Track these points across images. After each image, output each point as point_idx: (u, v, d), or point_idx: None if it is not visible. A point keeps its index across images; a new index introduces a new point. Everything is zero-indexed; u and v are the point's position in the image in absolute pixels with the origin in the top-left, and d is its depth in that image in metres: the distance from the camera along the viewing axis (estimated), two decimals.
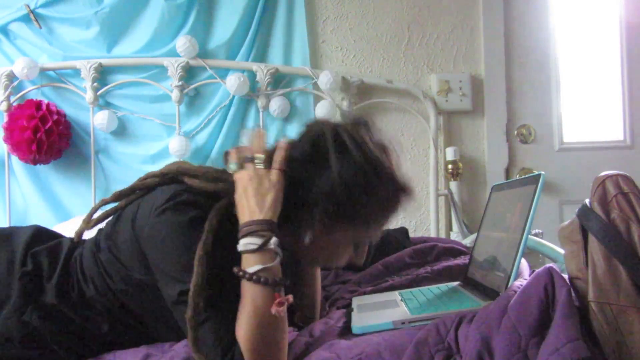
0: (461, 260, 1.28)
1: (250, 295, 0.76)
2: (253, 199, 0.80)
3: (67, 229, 1.68)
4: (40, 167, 1.93)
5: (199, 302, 0.74)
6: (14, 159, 1.89)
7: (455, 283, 1.09)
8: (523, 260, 1.00)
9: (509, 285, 0.80)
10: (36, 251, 0.94)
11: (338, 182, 0.83)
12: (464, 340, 0.67)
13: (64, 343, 0.88)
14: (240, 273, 0.77)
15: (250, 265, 0.77)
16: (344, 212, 0.84)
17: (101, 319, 0.90)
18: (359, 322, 0.89)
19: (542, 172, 0.86)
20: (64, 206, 1.96)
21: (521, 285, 0.72)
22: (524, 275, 0.91)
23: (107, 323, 0.90)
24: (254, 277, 0.75)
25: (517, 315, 0.64)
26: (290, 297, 0.77)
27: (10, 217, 1.91)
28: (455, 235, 2.02)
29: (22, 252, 0.94)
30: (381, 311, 0.93)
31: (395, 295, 1.04)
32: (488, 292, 0.89)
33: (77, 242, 0.97)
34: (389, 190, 0.87)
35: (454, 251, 1.35)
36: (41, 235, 1.01)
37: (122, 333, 0.91)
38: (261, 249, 0.77)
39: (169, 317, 0.83)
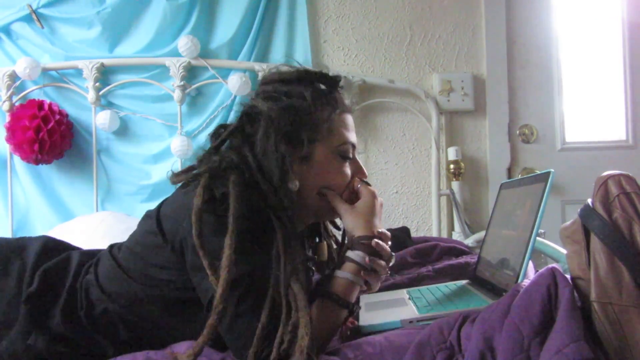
0: (463, 259, 1.28)
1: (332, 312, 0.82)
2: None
3: (69, 229, 1.69)
4: (42, 167, 1.93)
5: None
6: (16, 159, 1.90)
7: (464, 282, 1.09)
8: None
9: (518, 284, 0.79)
10: (43, 270, 0.92)
11: (273, 110, 0.88)
12: (466, 339, 0.67)
13: None
14: (341, 302, 0.83)
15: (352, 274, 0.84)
16: (296, 130, 0.88)
17: (106, 342, 0.88)
18: (366, 320, 0.89)
19: (552, 170, 0.85)
20: (66, 206, 1.96)
21: (525, 285, 0.72)
22: (528, 275, 0.90)
23: (112, 347, 0.88)
24: (353, 307, 0.83)
25: (520, 315, 0.64)
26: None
27: (13, 217, 1.91)
28: (457, 235, 2.02)
29: (31, 271, 0.92)
30: (389, 310, 0.93)
31: (403, 293, 1.04)
32: (497, 291, 0.89)
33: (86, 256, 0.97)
34: (310, 85, 0.92)
35: (456, 251, 1.35)
36: (50, 249, 0.99)
37: (126, 352, 0.90)
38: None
39: (185, 328, 0.83)
